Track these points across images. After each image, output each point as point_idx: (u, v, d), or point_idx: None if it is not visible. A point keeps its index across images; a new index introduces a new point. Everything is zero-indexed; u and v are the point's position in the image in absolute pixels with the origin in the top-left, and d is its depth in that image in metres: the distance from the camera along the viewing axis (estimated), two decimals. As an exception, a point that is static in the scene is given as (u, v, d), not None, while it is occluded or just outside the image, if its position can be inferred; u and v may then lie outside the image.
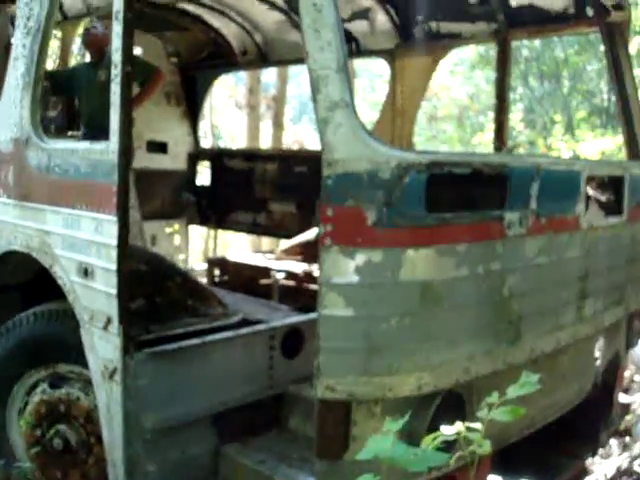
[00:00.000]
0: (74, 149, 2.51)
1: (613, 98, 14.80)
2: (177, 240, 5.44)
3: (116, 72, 2.24)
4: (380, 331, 1.77)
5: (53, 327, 2.85)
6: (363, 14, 4.39)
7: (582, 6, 3.55)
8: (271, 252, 4.81)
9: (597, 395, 3.04)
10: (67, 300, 2.76)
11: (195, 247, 6.08)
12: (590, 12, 3.50)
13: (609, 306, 2.66)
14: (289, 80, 8.42)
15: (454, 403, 1.95)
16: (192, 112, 5.56)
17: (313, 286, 3.78)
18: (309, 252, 4.25)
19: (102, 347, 2.38)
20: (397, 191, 1.72)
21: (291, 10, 4.62)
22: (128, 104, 2.26)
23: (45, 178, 2.65)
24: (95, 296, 2.39)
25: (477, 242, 1.92)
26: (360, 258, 1.73)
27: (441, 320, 1.86)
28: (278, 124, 7.12)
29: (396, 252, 1.74)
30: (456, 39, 4.15)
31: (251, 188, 5.24)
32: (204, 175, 5.68)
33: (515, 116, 12.58)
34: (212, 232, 5.71)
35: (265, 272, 4.00)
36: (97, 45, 4.32)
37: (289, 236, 4.81)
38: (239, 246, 5.70)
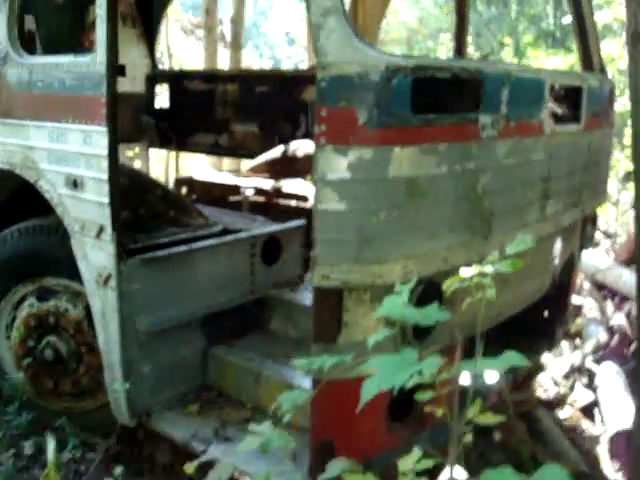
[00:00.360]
0: (57, 63, 2.56)
1: (559, 22, 15.06)
2: (137, 164, 5.49)
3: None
4: (370, 223, 1.95)
5: (38, 242, 2.95)
6: None
7: None
8: (236, 171, 4.93)
9: (554, 293, 3.32)
10: (51, 215, 2.87)
11: (155, 171, 6.13)
12: None
13: (567, 208, 2.90)
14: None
15: (434, 291, 2.16)
16: (148, 34, 5.52)
17: (282, 201, 3.95)
18: (275, 169, 4.40)
19: (95, 255, 2.51)
20: (386, 92, 1.87)
21: None
22: (114, 16, 2.33)
23: (26, 94, 2.70)
24: (86, 207, 2.51)
25: (455, 142, 2.09)
26: (352, 155, 1.89)
27: (424, 214, 2.05)
28: (236, 46, 7.10)
29: (385, 150, 1.91)
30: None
31: (212, 109, 5.29)
32: (163, 98, 5.69)
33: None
34: (172, 155, 5.76)
35: (234, 189, 4.14)
36: None
37: (251, 156, 4.93)
38: (199, 168, 5.77)
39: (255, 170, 4.50)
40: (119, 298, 2.47)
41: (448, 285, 1.35)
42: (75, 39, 4.63)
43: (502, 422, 1.37)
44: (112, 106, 2.36)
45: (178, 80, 5.58)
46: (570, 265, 3.41)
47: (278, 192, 3.99)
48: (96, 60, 2.36)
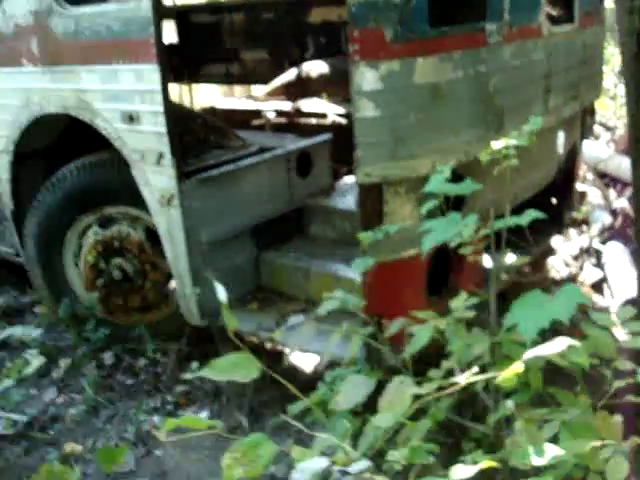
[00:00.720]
0: (103, 11, 2.87)
1: None
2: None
3: None
4: (402, 126, 2.32)
5: (95, 176, 3.32)
6: None
7: None
8: (252, 97, 5.25)
9: (560, 181, 3.71)
10: (104, 151, 3.24)
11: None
12: None
13: (567, 101, 3.26)
14: None
15: (457, 180, 2.56)
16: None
17: (303, 120, 4.30)
18: (291, 91, 4.72)
19: (157, 180, 2.88)
20: (407, 11, 2.21)
21: None
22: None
23: (74, 42, 3.01)
24: (144, 137, 2.86)
25: (467, 49, 2.44)
26: (382, 68, 2.24)
27: (446, 114, 2.41)
28: None
29: (410, 61, 2.26)
30: None
31: (220, 40, 5.57)
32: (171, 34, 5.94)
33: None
34: (185, 88, 6.07)
35: (255, 114, 4.48)
36: None
37: (263, 82, 5.24)
38: (213, 98, 6.08)
39: (272, 94, 4.82)
40: (182, 215, 2.86)
41: (484, 156, 1.73)
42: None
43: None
44: (160, 45, 2.69)
45: (184, 15, 5.83)
46: (573, 154, 3.79)
47: (298, 112, 4.33)
48: (141, 5, 2.68)
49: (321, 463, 1.32)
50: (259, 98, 4.96)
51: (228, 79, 5.72)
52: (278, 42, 5.27)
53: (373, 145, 2.32)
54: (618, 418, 1.43)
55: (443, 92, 2.37)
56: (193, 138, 3.20)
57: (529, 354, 1.29)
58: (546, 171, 3.35)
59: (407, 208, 2.47)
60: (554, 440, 1.33)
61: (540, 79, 2.95)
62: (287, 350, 3.01)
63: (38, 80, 3.25)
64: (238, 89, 6.26)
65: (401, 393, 1.52)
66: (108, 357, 3.44)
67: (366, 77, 2.25)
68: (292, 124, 4.31)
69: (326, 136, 3.57)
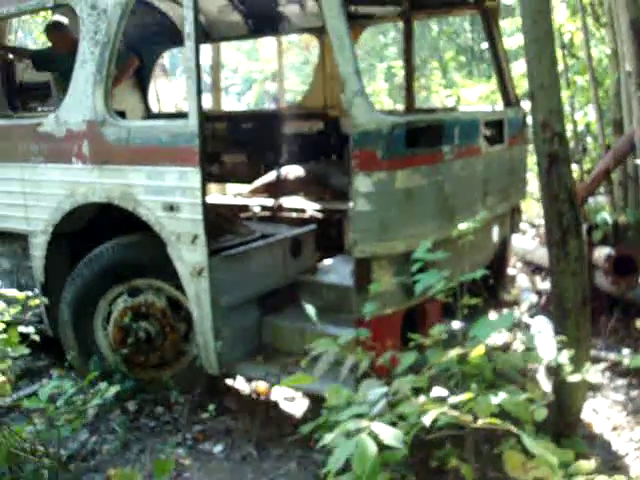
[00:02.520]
0: (154, 125, 3.89)
1: (476, 37, 16.98)
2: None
3: (190, 73, 3.65)
4: (386, 217, 3.37)
5: (129, 253, 4.24)
6: (297, 1, 5.89)
7: (465, -4, 5.24)
8: (238, 194, 6.29)
9: (495, 264, 4.84)
10: (135, 233, 4.18)
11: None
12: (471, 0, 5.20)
13: (500, 201, 4.42)
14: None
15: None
16: (141, 83, 6.84)
17: (286, 214, 5.35)
18: (271, 190, 5.80)
19: (190, 256, 3.82)
20: (391, 138, 3.31)
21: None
22: (199, 92, 3.68)
23: (124, 147, 3.99)
24: (182, 223, 3.81)
25: (430, 164, 3.56)
26: (374, 177, 3.31)
27: (416, 210, 3.49)
28: (217, 89, 8.50)
29: (392, 172, 3.35)
30: (371, 19, 5.76)
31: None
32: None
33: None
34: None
35: (243, 208, 5.50)
36: (69, 40, 5.51)
37: (240, 181, 6.32)
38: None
39: (254, 192, 5.88)
40: (210, 284, 3.80)
41: (455, 232, 2.79)
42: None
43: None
44: (202, 152, 3.70)
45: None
46: (504, 244, 4.95)
47: (280, 207, 5.39)
48: (189, 123, 3.70)
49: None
50: (244, 195, 6.00)
51: (209, 178, 6.76)
52: (255, 148, 6.38)
53: (366, 230, 3.37)
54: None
55: (414, 194, 3.46)
56: (212, 225, 4.18)
57: (485, 343, 2.30)
58: (486, 254, 4.46)
59: (387, 276, 3.50)
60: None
61: (480, 185, 4.10)
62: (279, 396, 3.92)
63: (86, 175, 4.18)
64: (214, 187, 7.32)
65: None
66: (131, 404, 4.26)
67: (363, 183, 3.31)
68: (275, 217, 5.35)
69: (312, 226, 4.62)
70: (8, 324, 2.65)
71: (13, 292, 2.87)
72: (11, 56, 6.26)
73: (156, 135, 3.87)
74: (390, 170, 3.35)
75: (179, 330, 4.23)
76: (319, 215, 5.16)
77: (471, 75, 16.12)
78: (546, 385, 4.62)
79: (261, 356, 4.09)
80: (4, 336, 2.52)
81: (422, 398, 2.14)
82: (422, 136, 3.51)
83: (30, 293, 3.09)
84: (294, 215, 5.27)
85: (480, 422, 2.01)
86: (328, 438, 1.96)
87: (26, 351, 2.84)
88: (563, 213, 3.42)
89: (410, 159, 3.43)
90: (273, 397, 4.45)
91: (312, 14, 6.04)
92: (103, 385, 3.24)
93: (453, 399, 2.10)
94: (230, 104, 19.78)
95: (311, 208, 5.26)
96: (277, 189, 5.68)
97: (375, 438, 1.81)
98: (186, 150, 3.73)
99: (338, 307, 4.18)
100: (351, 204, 3.38)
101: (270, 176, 5.90)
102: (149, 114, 6.93)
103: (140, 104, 6.87)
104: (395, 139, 3.33)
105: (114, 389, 3.12)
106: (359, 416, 2.04)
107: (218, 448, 3.92)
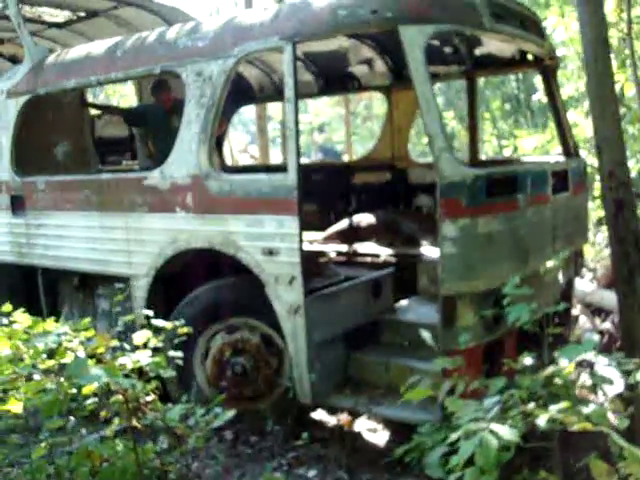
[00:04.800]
0: (255, 179, 4.43)
1: (521, 86, 17.55)
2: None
3: (290, 132, 4.20)
4: (469, 259, 3.84)
5: (228, 293, 4.75)
6: (366, 61, 6.48)
7: (525, 54, 5.77)
8: (312, 241, 6.81)
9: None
10: (234, 276, 4.70)
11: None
12: (531, 58, 5.72)
13: (565, 245, 4.86)
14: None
15: (499, 296, 4.06)
16: (218, 139, 7.45)
17: (360, 259, 5.84)
18: (344, 236, 6.31)
19: (287, 295, 4.30)
20: (474, 188, 3.80)
21: (306, 59, 6.68)
22: (298, 150, 4.22)
23: (226, 198, 4.52)
24: (280, 266, 4.31)
25: (507, 211, 4.04)
26: (459, 223, 3.79)
27: (495, 252, 3.95)
28: (263, 138, 9.18)
29: (475, 219, 3.82)
30: (436, 77, 6.31)
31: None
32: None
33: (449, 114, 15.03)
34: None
35: (320, 254, 6.01)
36: (171, 99, 6.19)
37: (312, 229, 6.83)
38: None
39: (328, 238, 6.39)
40: (306, 321, 4.28)
41: (542, 268, 3.24)
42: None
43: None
44: (301, 202, 4.22)
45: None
46: (570, 286, 5.37)
47: (354, 252, 5.89)
48: (288, 177, 4.23)
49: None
50: (318, 241, 6.52)
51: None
52: (325, 199, 6.92)
53: (451, 271, 3.83)
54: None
55: (493, 238, 3.93)
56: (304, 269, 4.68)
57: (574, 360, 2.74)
58: (553, 294, 4.89)
59: (470, 312, 3.95)
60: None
61: (549, 230, 4.55)
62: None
63: (189, 223, 4.72)
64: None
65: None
66: (228, 433, 4.72)
67: (449, 228, 3.79)
68: (350, 261, 5.84)
69: (391, 269, 5.10)
70: (156, 349, 3.14)
71: (161, 322, 3.35)
72: (101, 113, 6.96)
73: (257, 187, 4.40)
74: (473, 217, 3.82)
75: (272, 365, 4.70)
76: (392, 259, 5.64)
77: (517, 123, 16.66)
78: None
79: (348, 388, 4.54)
80: (156, 359, 3.00)
81: (531, 405, 2.58)
82: (499, 186, 3.99)
83: (177, 323, 3.57)
84: (368, 260, 5.76)
85: (576, 426, 2.44)
86: (454, 437, 2.39)
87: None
88: (629, 253, 3.85)
89: (490, 207, 3.91)
90: (356, 428, 4.88)
91: (380, 73, 6.63)
92: (218, 410, 3.67)
93: (554, 407, 2.53)
94: (276, 155, 20.64)
95: (384, 253, 5.74)
96: (350, 236, 6.19)
97: (495, 435, 2.24)
98: (285, 201, 4.25)
99: (416, 343, 4.62)
100: (440, 247, 3.85)
101: (343, 224, 6.42)
102: (224, 167, 7.53)
103: (218, 158, 7.48)
104: (477, 189, 3.82)
105: (230, 413, 3.56)
106: (476, 420, 2.46)
107: (312, 473, 4.34)
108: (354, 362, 4.65)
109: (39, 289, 5.96)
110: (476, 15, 4.20)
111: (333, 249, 6.01)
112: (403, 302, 5.13)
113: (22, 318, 2.94)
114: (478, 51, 6.02)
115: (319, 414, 5.01)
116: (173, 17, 7.33)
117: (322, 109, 22.14)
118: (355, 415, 4.80)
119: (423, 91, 3.84)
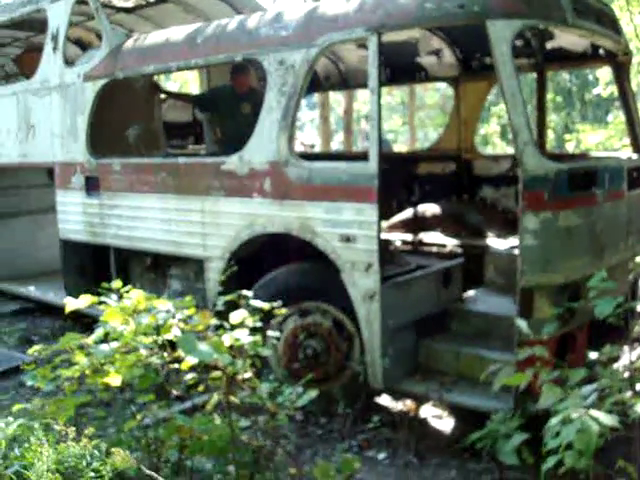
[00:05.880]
0: (334, 167, 4.56)
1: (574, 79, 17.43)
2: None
3: (373, 122, 4.32)
4: (549, 251, 3.93)
5: (302, 278, 4.90)
6: (435, 52, 6.56)
7: (597, 49, 5.80)
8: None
9: (630, 297, 5.30)
10: (308, 261, 4.84)
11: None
12: (603, 53, 5.75)
13: (638, 241, 4.92)
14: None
15: (578, 290, 4.15)
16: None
17: (426, 248, 5.95)
18: (408, 226, 6.41)
19: (363, 282, 4.43)
20: (556, 182, 3.89)
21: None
22: (380, 139, 4.34)
23: (305, 185, 4.67)
24: (357, 253, 4.44)
25: (587, 206, 4.12)
26: (541, 216, 3.88)
27: (573, 246, 4.04)
28: (348, 131, 9.30)
29: (556, 212, 3.91)
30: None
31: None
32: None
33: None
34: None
35: (385, 242, 6.12)
36: (247, 85, 6.35)
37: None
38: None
39: (392, 227, 6.51)
40: (381, 306, 4.41)
41: (634, 264, 3.32)
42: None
43: None
44: (380, 191, 4.34)
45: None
46: (637, 281, 5.41)
47: (420, 242, 6.00)
48: (369, 166, 4.35)
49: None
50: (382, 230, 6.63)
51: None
52: (390, 187, 7.01)
53: (532, 263, 3.93)
54: None
55: (572, 232, 4.01)
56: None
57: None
58: (625, 288, 4.95)
59: (546, 305, 4.04)
60: None
61: (624, 225, 4.62)
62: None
63: (265, 208, 4.87)
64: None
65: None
66: (299, 415, 4.88)
67: (531, 221, 3.88)
68: (416, 251, 5.96)
69: (460, 259, 5.20)
70: (254, 329, 3.29)
71: (259, 303, 3.51)
72: (165, 98, 7.13)
73: (336, 175, 4.53)
74: (554, 210, 3.91)
75: (342, 349, 4.83)
76: (458, 250, 5.74)
77: (569, 116, 16.57)
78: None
79: (418, 375, 4.67)
80: (254, 338, 3.16)
81: (629, 393, 2.68)
82: (580, 181, 4.07)
83: (275, 304, 3.72)
84: (434, 249, 5.87)
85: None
86: (553, 421, 2.51)
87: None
88: None
89: (571, 201, 3.99)
90: (421, 414, 5.00)
91: (448, 64, 6.71)
92: (299, 389, 3.82)
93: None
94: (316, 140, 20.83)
95: (451, 243, 5.84)
96: (415, 225, 6.29)
97: (596, 421, 2.36)
98: (365, 189, 4.38)
99: (486, 333, 4.74)
100: (521, 239, 3.95)
101: (407, 213, 6.53)
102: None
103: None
104: (560, 183, 3.91)
105: (313, 393, 3.71)
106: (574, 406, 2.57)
107: (382, 455, 4.48)
108: (424, 349, 4.78)
109: (110, 268, 6.17)
110: (560, 10, 4.27)
111: (397, 238, 6.12)
112: (470, 292, 5.23)
113: (135, 294, 3.11)
114: (550, 45, 6.07)
115: (384, 399, 5.14)
116: (241, 5, 7.47)
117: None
118: (420, 401, 4.93)
119: (510, 85, 3.93)
